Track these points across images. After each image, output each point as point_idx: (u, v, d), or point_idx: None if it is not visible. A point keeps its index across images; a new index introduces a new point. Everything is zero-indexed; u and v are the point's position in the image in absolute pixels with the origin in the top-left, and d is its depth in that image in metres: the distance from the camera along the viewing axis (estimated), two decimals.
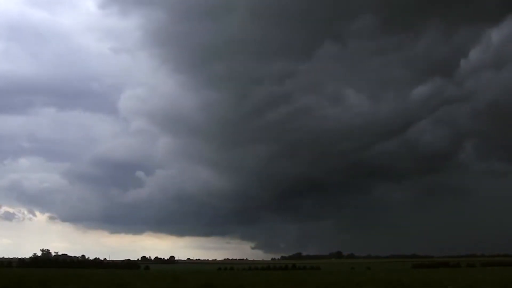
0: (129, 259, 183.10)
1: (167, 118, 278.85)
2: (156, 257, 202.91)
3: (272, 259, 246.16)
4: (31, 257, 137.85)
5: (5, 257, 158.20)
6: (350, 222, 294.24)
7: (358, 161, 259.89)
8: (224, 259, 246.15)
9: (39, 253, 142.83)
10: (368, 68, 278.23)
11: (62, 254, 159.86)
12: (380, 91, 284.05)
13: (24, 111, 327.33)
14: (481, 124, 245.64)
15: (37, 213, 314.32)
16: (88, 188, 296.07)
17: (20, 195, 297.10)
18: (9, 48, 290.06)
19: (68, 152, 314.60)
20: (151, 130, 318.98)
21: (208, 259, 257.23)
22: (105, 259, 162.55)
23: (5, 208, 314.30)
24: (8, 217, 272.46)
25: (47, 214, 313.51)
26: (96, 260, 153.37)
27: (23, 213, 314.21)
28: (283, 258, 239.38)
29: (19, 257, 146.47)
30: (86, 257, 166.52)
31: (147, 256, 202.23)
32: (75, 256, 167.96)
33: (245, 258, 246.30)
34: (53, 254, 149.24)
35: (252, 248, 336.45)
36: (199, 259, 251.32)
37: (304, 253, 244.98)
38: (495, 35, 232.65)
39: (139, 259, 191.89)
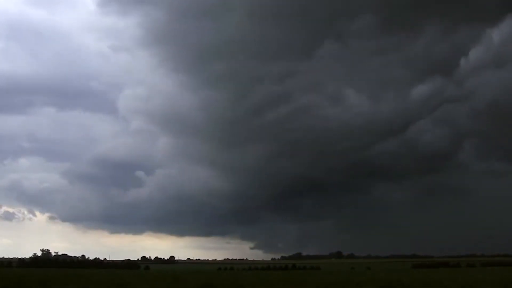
0: (129, 259, 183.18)
1: (166, 117, 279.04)
2: (156, 257, 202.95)
3: (272, 259, 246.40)
4: (31, 257, 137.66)
5: (5, 257, 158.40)
6: (350, 222, 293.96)
7: (358, 161, 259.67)
8: (224, 259, 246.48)
9: (39, 253, 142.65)
10: (368, 67, 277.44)
11: (62, 254, 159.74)
12: (380, 90, 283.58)
13: (24, 111, 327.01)
14: (481, 124, 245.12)
15: (37, 213, 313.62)
16: (88, 188, 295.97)
17: (20, 195, 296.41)
18: (8, 48, 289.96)
19: (68, 152, 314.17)
20: (150, 129, 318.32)
21: (208, 259, 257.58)
22: (105, 259, 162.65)
23: (5, 208, 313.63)
24: (8, 217, 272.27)
25: (47, 214, 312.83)
26: (96, 260, 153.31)
27: (23, 213, 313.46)
28: (283, 258, 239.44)
29: (19, 257, 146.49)
30: (86, 257, 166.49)
31: (147, 256, 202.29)
32: (75, 256, 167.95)
33: (245, 258, 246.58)
34: (53, 254, 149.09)
35: (252, 248, 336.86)
36: (199, 259, 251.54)
37: (304, 253, 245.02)
38: (495, 34, 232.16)
39: (139, 259, 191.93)
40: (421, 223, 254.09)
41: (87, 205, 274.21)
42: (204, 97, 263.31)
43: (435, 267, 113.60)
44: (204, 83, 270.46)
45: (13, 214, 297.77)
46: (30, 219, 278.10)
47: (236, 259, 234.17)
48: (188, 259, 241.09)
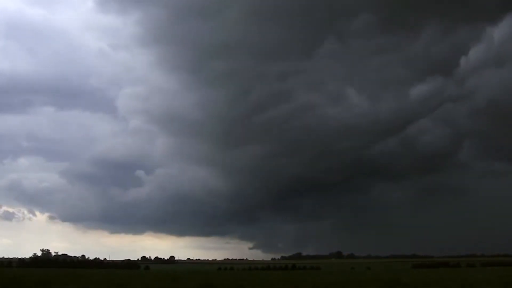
0: (129, 259, 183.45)
1: (166, 116, 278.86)
2: (156, 257, 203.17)
3: (272, 259, 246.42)
4: (31, 257, 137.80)
5: (5, 257, 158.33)
6: (350, 222, 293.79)
7: (358, 160, 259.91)
8: (224, 259, 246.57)
9: (39, 253, 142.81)
10: (368, 67, 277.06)
11: (62, 254, 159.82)
12: (380, 90, 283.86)
13: (23, 110, 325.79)
14: (481, 123, 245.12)
15: (37, 213, 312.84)
16: (87, 188, 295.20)
17: (19, 195, 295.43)
18: (7, 47, 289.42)
19: (68, 151, 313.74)
20: (150, 128, 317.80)
21: (208, 259, 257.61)
22: (105, 259, 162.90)
23: (5, 208, 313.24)
24: (8, 217, 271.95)
25: (47, 214, 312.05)
26: (96, 260, 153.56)
27: (23, 213, 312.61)
28: (283, 258, 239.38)
29: (19, 257, 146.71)
30: (86, 257, 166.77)
31: (147, 256, 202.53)
32: (75, 256, 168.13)
33: (245, 258, 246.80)
34: (53, 254, 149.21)
35: (252, 248, 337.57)
36: (199, 259, 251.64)
37: (304, 253, 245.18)
38: (495, 33, 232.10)
39: (139, 259, 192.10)
40: (421, 223, 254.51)
41: (87, 204, 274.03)
42: (204, 96, 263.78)
43: (435, 267, 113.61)
44: (204, 82, 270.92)
45: (13, 214, 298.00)
46: (30, 219, 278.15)
47: (236, 259, 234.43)
48: (188, 259, 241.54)
